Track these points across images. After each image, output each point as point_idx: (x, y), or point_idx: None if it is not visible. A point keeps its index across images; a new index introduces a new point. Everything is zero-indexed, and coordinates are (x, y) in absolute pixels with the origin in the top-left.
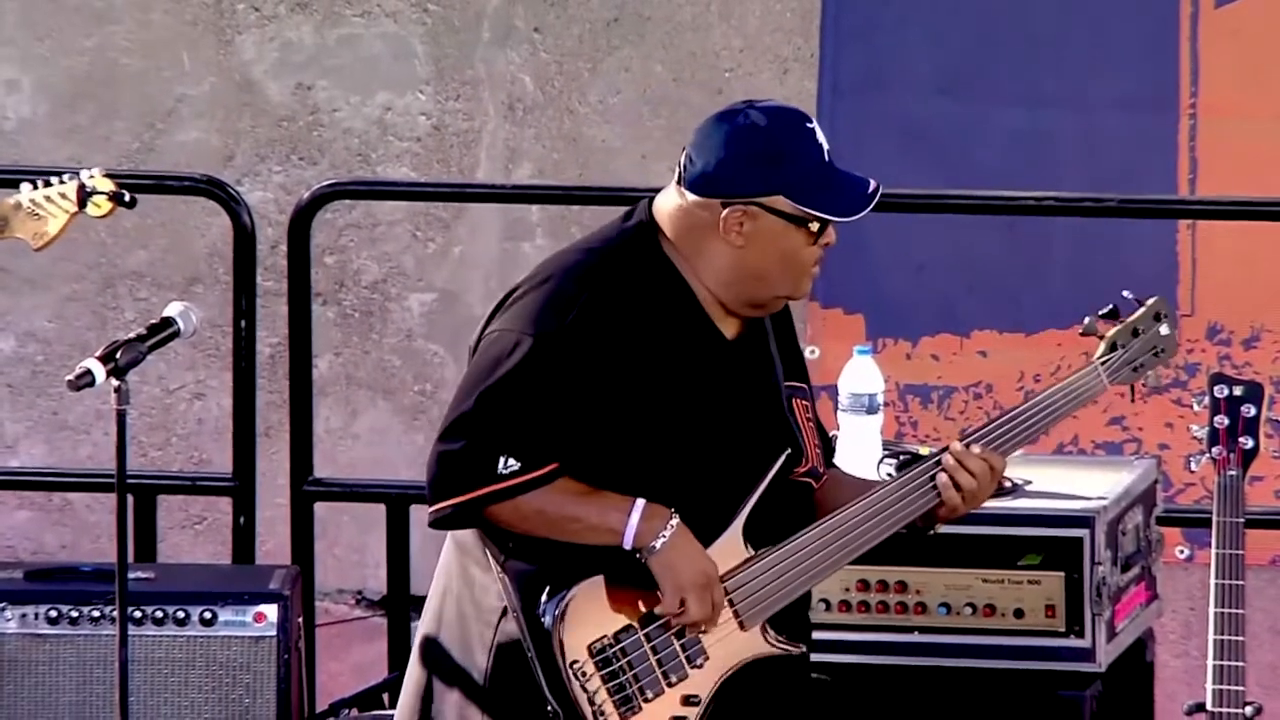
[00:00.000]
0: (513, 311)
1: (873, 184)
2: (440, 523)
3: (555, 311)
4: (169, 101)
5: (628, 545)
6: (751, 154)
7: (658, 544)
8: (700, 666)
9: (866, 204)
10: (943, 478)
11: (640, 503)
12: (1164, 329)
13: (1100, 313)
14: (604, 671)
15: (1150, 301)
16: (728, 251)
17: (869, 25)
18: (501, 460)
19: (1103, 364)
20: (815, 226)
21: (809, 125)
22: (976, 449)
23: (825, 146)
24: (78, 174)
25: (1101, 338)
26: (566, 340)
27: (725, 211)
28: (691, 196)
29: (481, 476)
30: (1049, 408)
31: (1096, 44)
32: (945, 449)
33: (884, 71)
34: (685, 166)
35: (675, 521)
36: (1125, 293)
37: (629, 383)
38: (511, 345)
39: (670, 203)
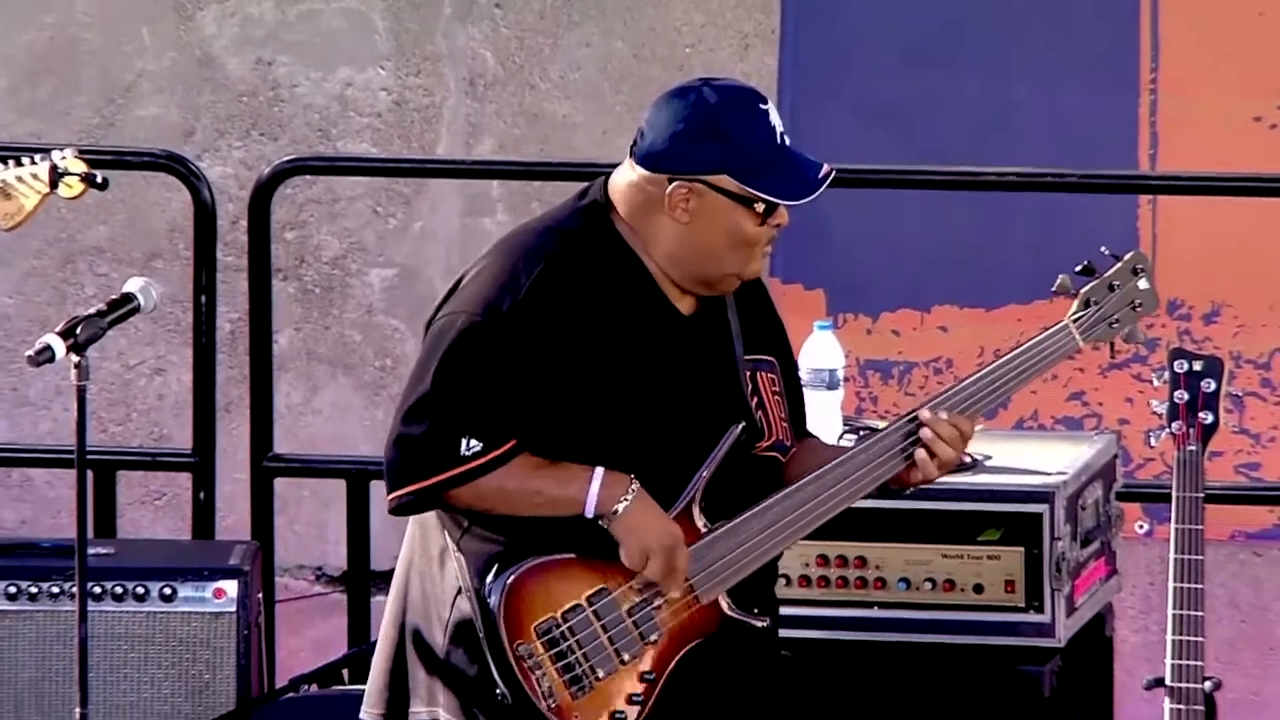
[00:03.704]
0: (466, 292)
1: (825, 169)
2: (400, 509)
3: (506, 290)
4: (129, 77)
5: (589, 513)
6: (699, 131)
7: (619, 508)
8: (655, 642)
9: (814, 189)
10: (919, 449)
11: (600, 471)
12: (1142, 283)
13: (1076, 270)
14: (551, 652)
15: (1128, 256)
16: (675, 228)
17: (830, 1)
18: (464, 442)
19: (1075, 321)
20: (761, 207)
21: (762, 106)
22: (944, 414)
23: (778, 128)
24: (49, 154)
25: (1075, 296)
26: (517, 318)
27: (670, 187)
28: (640, 170)
29: (444, 460)
30: (1017, 369)
31: (1057, 19)
32: (913, 415)
33: (845, 47)
34: (636, 140)
35: (635, 487)
36: (1103, 249)
37: (583, 360)
38: (464, 326)
39: (623, 178)
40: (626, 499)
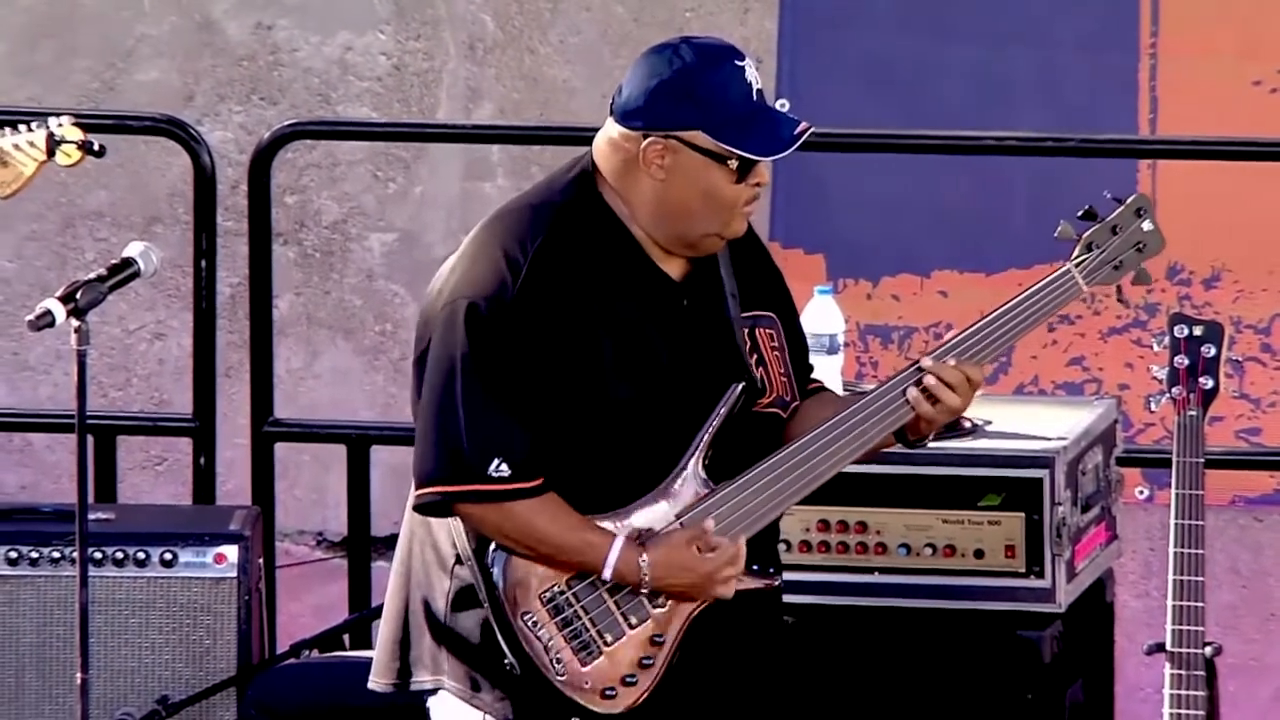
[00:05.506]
0: (467, 278)
1: (801, 126)
2: (423, 508)
3: (508, 274)
4: (129, 41)
5: (607, 576)
6: (674, 87)
7: (645, 578)
8: (663, 606)
9: (788, 145)
10: (913, 392)
11: (618, 545)
12: (1146, 225)
13: (1078, 215)
14: (558, 619)
15: (1130, 199)
16: (652, 186)
17: None
18: (494, 462)
19: (1077, 265)
20: (735, 164)
21: (739, 63)
22: (951, 360)
23: (754, 85)
24: (46, 122)
25: (1078, 241)
26: (522, 302)
27: (645, 143)
28: (618, 127)
29: (470, 473)
30: (1019, 316)
31: None
32: (916, 364)
33: (844, 10)
34: (615, 97)
35: (646, 558)
36: (1105, 193)
37: (581, 335)
38: (474, 315)
39: (603, 136)
40: (644, 566)
